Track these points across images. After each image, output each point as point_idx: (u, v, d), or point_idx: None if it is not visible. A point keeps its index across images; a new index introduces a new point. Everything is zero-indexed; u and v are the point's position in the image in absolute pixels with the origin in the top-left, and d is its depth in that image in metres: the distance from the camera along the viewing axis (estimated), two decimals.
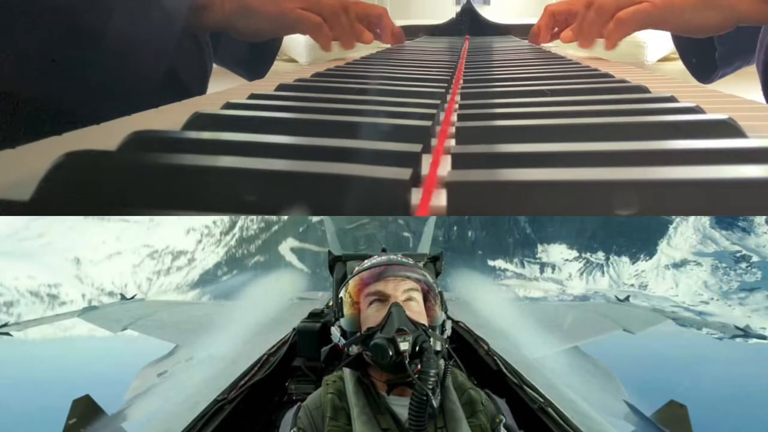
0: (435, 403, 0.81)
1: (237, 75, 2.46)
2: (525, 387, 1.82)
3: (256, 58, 2.37)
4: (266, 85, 1.60)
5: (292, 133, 0.94)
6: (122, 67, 1.53)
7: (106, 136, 0.92)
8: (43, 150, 0.85)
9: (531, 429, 1.61)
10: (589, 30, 2.20)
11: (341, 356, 0.97)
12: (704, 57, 2.15)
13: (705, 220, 20.73)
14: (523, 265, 21.20)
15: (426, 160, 0.84)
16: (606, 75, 1.62)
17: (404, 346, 0.84)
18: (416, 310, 0.92)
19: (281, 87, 1.47)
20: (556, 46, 2.88)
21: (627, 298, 7.90)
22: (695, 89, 1.54)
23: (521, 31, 4.31)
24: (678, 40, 2.37)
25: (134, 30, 1.54)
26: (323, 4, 2.07)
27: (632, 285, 19.84)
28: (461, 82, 1.68)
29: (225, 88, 1.80)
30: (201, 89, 2.02)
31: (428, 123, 0.99)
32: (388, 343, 0.84)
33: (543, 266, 21.18)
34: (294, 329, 2.34)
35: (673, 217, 19.64)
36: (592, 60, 2.35)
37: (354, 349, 0.93)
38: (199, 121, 1.02)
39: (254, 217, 21.05)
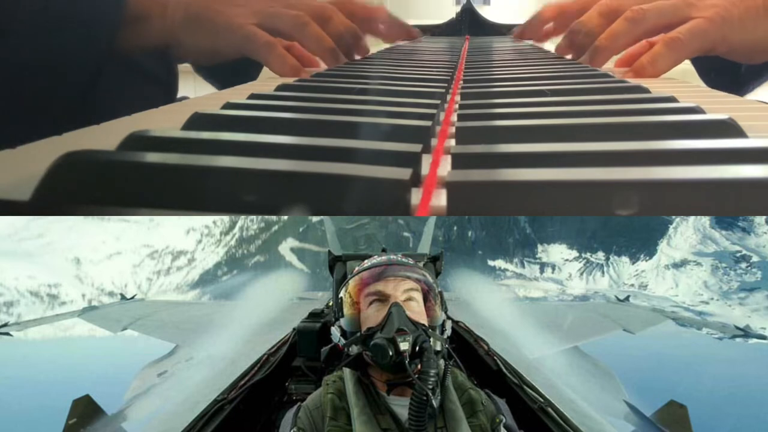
0: (435, 403, 0.81)
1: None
2: (525, 387, 1.82)
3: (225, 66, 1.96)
4: (266, 85, 1.60)
5: (292, 133, 0.93)
6: (45, 88, 1.31)
7: (105, 136, 0.92)
8: (43, 150, 0.85)
9: (531, 429, 1.61)
10: (616, 45, 1.79)
11: (341, 356, 0.97)
12: (725, 71, 1.80)
13: (705, 220, 20.76)
14: (523, 265, 21.24)
15: (426, 160, 0.84)
16: (606, 75, 1.62)
17: (404, 346, 0.84)
18: (416, 310, 0.92)
19: (281, 87, 1.47)
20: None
21: (627, 298, 7.91)
22: (695, 89, 1.54)
23: None
24: None
25: (51, 49, 1.29)
26: (283, 17, 1.69)
27: (632, 285, 19.87)
28: (461, 82, 1.68)
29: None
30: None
31: (428, 123, 0.99)
32: (388, 343, 0.84)
33: (543, 266, 21.22)
34: (294, 329, 2.34)
35: (673, 217, 19.66)
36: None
37: (354, 349, 0.93)
38: (198, 121, 1.02)
39: (254, 217, 21.07)
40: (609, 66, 1.92)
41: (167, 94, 1.82)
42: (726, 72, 1.80)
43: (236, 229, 22.03)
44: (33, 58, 1.27)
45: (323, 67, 1.87)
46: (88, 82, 1.40)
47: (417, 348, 0.85)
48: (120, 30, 1.43)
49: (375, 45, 2.76)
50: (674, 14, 1.63)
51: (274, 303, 6.13)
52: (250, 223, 21.93)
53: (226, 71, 1.83)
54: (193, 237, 21.97)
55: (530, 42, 3.40)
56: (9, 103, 1.23)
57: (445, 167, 0.81)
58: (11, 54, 1.23)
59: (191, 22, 1.58)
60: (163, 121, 1.12)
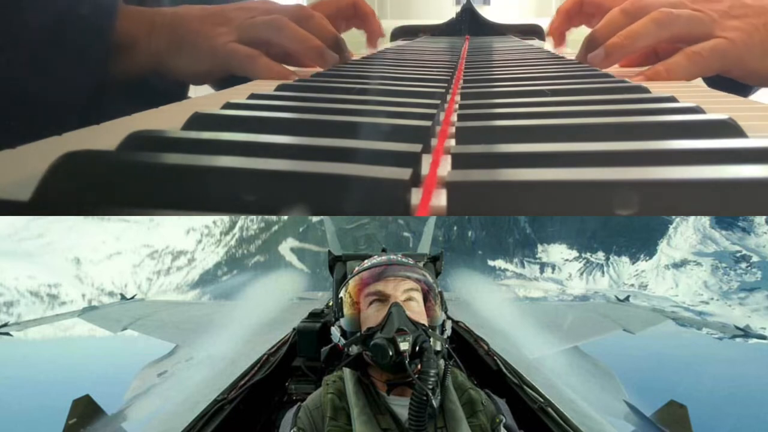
0: (435, 403, 0.81)
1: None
2: (525, 387, 1.82)
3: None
4: (266, 85, 1.59)
5: (292, 133, 0.93)
6: (40, 115, 1.30)
7: (106, 136, 0.92)
8: (43, 150, 0.85)
9: (531, 429, 1.61)
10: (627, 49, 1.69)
11: (341, 356, 0.97)
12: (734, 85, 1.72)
13: (705, 220, 20.78)
14: (523, 265, 21.25)
15: (426, 160, 0.84)
16: (606, 75, 1.62)
17: (404, 346, 0.84)
18: (416, 310, 0.92)
19: (281, 87, 1.47)
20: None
21: (627, 298, 7.92)
22: (695, 89, 1.54)
23: (521, 31, 4.31)
24: None
25: (39, 82, 1.29)
26: (260, 24, 1.67)
27: (632, 285, 19.89)
28: (461, 82, 1.68)
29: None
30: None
31: (428, 123, 0.99)
32: (388, 343, 0.84)
33: (543, 266, 21.24)
34: (294, 329, 2.34)
35: (673, 217, 19.69)
36: None
37: (354, 349, 0.93)
38: (198, 121, 1.02)
39: (254, 217, 21.09)
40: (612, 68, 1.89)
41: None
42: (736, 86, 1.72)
43: (236, 229, 22.04)
44: (23, 87, 1.27)
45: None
46: (83, 111, 1.38)
47: (417, 348, 0.85)
48: (110, 57, 1.43)
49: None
50: (700, 27, 1.57)
51: (274, 303, 6.14)
52: (250, 223, 21.94)
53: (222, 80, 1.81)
54: (193, 237, 21.99)
55: (531, 42, 3.39)
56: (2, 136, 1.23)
57: (445, 167, 0.81)
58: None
59: (176, 47, 1.57)
60: (163, 121, 1.12)
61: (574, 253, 21.30)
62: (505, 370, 2.01)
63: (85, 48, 1.38)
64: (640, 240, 20.91)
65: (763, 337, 8.20)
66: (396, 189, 0.66)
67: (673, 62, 1.60)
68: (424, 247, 8.85)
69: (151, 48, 1.54)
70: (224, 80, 1.76)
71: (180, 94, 1.84)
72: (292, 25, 1.68)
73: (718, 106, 1.19)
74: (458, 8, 5.03)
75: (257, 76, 1.68)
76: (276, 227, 21.70)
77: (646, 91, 1.29)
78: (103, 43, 1.41)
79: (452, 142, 0.97)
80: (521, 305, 9.23)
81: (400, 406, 0.86)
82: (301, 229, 21.31)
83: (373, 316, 0.91)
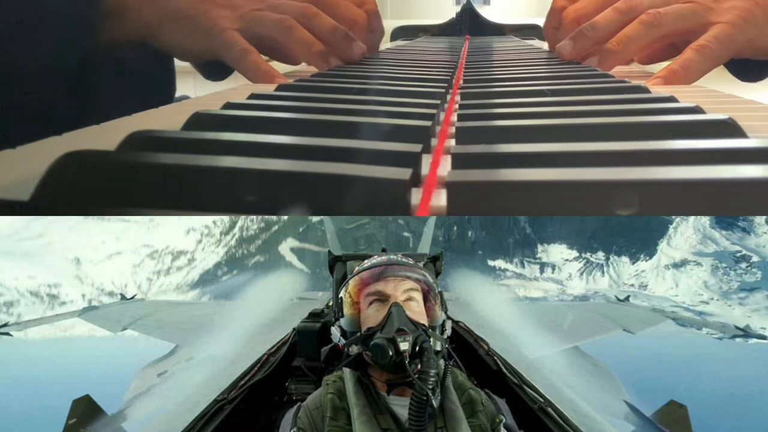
0: (435, 403, 0.81)
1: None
2: (525, 387, 1.82)
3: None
4: (266, 85, 1.59)
5: (292, 133, 0.93)
6: (28, 94, 1.26)
7: (106, 136, 0.92)
8: (43, 150, 0.85)
9: (531, 429, 1.61)
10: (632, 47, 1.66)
11: (341, 356, 0.97)
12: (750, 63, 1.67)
13: (705, 220, 20.78)
14: (523, 265, 21.25)
15: (426, 160, 0.84)
16: (606, 75, 1.62)
17: (404, 346, 0.84)
18: (416, 310, 0.92)
19: (281, 87, 1.47)
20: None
21: (627, 298, 7.92)
22: (695, 89, 1.53)
23: (521, 31, 4.32)
24: None
25: (28, 53, 1.26)
26: (267, 22, 1.60)
27: (632, 285, 19.89)
28: (461, 82, 1.68)
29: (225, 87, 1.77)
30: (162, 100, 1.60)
31: (428, 123, 0.99)
32: (388, 343, 0.84)
33: (543, 266, 21.24)
34: (294, 329, 2.34)
35: (673, 217, 19.69)
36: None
37: (354, 349, 0.93)
38: (198, 121, 1.02)
39: (254, 217, 21.10)
40: (623, 68, 1.88)
41: (164, 93, 1.80)
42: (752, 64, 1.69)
43: (236, 229, 22.05)
44: (10, 65, 1.25)
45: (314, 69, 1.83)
46: (74, 83, 1.36)
47: (417, 348, 0.85)
48: (97, 27, 1.39)
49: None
50: (693, 19, 1.55)
51: (274, 303, 6.14)
52: (250, 223, 21.95)
53: (216, 64, 1.78)
54: (193, 237, 22.00)
55: (531, 42, 3.39)
56: None
57: (445, 167, 0.81)
58: None
59: (171, 18, 1.52)
60: (163, 121, 1.12)
61: (574, 253, 21.31)
62: (505, 370, 2.01)
63: (73, 15, 1.34)
64: (640, 240, 20.92)
65: (763, 337, 8.21)
66: (396, 189, 0.66)
67: (685, 59, 1.55)
68: (424, 247, 8.86)
69: (141, 18, 1.49)
70: (212, 64, 1.73)
71: (167, 80, 1.82)
72: (299, 28, 1.65)
73: (718, 106, 1.19)
74: (458, 8, 5.04)
75: (243, 72, 1.64)
76: (276, 227, 21.71)
77: (646, 91, 1.29)
78: (92, 10, 1.37)
79: (452, 142, 0.97)
80: (521, 305, 9.22)
81: (400, 406, 0.86)
82: (301, 229, 21.31)
83: (373, 316, 0.91)
